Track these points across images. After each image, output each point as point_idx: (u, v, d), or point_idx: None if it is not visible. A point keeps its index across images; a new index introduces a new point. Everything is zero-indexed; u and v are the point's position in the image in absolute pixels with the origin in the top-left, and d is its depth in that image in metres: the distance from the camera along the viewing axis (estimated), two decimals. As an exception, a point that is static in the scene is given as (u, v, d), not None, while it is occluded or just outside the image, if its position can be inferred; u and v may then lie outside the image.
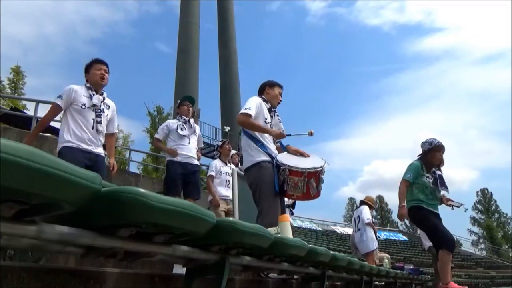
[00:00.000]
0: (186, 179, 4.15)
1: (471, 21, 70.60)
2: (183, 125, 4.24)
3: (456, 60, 66.89)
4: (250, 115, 2.96)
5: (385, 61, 69.84)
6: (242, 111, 3.00)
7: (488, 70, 64.95)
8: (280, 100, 3.27)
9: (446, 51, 68.88)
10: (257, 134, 3.05)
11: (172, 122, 4.34)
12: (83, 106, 3.08)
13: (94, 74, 3.17)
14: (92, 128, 3.10)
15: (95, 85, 3.18)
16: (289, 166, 2.87)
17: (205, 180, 6.03)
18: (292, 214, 5.77)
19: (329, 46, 70.75)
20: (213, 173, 4.89)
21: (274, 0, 61.74)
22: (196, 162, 4.28)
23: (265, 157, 2.97)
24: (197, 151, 4.40)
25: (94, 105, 3.13)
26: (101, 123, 3.15)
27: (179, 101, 4.56)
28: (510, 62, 56.96)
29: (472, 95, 66.91)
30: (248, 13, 62.58)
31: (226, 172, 4.89)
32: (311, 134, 3.11)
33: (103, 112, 3.19)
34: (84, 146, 3.05)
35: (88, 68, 3.23)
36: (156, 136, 4.36)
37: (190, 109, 4.39)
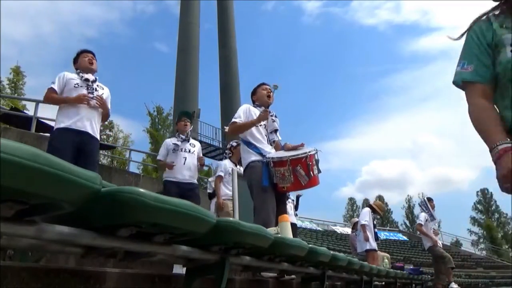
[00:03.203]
0: (184, 197, 4.14)
1: (468, 20, 70.23)
2: (180, 143, 4.28)
3: (454, 59, 65.42)
4: (236, 123, 3.09)
5: (382, 61, 69.29)
6: (230, 122, 3.13)
7: (487, 70, 64.55)
8: (269, 95, 3.28)
9: (443, 51, 68.62)
10: (249, 137, 3.13)
11: (169, 142, 4.39)
12: (76, 85, 3.27)
13: (83, 60, 3.41)
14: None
15: (85, 70, 3.39)
16: (272, 158, 2.93)
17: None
18: (296, 215, 5.75)
19: (325, 46, 70.17)
20: (222, 174, 4.82)
21: (269, 0, 61.39)
22: (194, 181, 4.29)
23: (255, 157, 3.04)
24: (200, 160, 4.41)
25: (86, 83, 3.31)
26: (93, 99, 3.29)
27: (177, 116, 4.65)
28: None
29: (471, 95, 66.54)
30: (244, 13, 62.32)
31: None
32: (275, 87, 3.26)
33: (96, 90, 3.34)
34: (78, 124, 3.16)
35: (76, 59, 3.47)
36: (158, 157, 4.48)
37: (188, 124, 4.43)
